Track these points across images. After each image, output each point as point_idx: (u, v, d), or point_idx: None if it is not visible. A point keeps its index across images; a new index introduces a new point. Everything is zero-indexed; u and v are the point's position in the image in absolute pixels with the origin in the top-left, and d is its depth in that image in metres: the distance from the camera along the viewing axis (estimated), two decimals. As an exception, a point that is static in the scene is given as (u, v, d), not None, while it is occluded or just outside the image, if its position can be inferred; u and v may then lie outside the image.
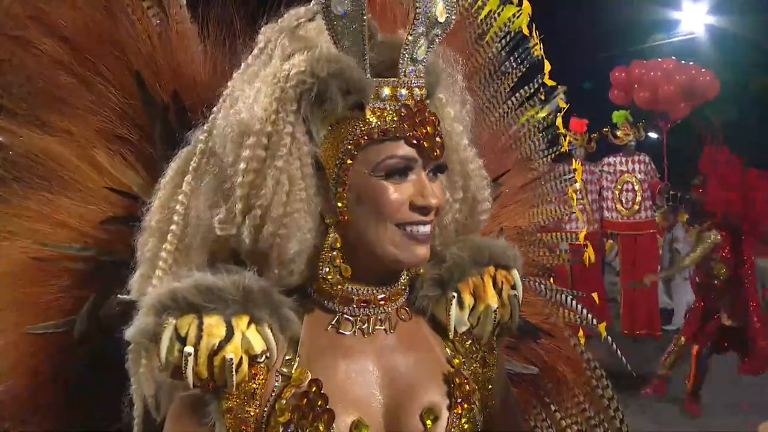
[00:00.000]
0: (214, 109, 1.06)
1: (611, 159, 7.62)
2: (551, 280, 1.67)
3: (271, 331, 0.97)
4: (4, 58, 1.34)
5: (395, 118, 0.99)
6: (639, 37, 13.76)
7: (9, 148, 1.33)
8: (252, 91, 1.00)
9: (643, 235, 7.56)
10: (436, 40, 1.03)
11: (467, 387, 1.07)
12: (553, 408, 1.63)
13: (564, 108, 1.74)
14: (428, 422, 1.02)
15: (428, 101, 1.06)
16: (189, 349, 0.91)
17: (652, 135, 9.72)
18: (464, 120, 1.14)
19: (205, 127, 1.07)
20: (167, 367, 0.93)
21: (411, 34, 0.98)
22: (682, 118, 8.56)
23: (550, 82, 1.70)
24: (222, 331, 0.92)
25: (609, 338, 1.69)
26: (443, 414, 1.04)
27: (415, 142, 0.99)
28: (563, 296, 1.66)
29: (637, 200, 7.47)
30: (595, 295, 1.75)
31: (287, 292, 1.02)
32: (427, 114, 1.01)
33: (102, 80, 1.35)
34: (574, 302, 1.64)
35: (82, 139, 1.35)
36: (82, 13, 1.35)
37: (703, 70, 8.63)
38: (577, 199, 1.77)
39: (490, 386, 1.14)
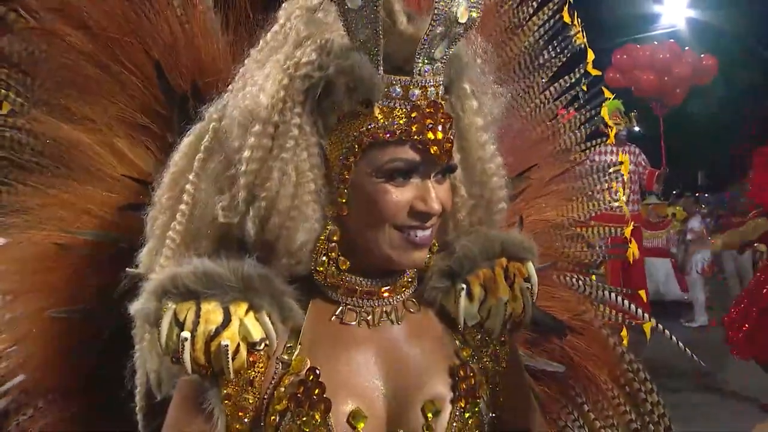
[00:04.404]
0: (229, 87, 1.04)
1: (601, 148, 7.61)
2: (593, 277, 1.62)
3: (270, 319, 0.95)
4: (34, 50, 1.36)
5: (403, 120, 0.94)
6: (621, 31, 13.86)
7: (38, 138, 1.35)
8: (261, 76, 0.97)
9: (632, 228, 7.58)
10: (457, 38, 0.96)
11: (473, 381, 1.03)
12: (586, 408, 1.58)
13: (610, 98, 1.68)
14: (429, 415, 0.99)
15: (448, 96, 1.02)
16: (185, 334, 0.90)
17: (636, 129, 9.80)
18: (489, 114, 1.09)
19: (219, 106, 1.06)
20: (167, 351, 0.92)
21: (428, 34, 0.92)
22: (677, 104, 8.62)
23: (594, 72, 1.64)
24: (219, 317, 0.91)
25: (671, 335, 1.63)
26: (446, 407, 1.00)
27: (420, 147, 0.94)
28: (606, 293, 1.60)
29: (625, 192, 7.49)
30: (642, 293, 1.67)
31: (294, 281, 1.00)
32: (439, 116, 0.95)
33: (124, 69, 1.34)
34: (619, 299, 1.59)
35: (104, 127, 1.36)
36: (106, 1, 1.35)
37: (703, 55, 8.68)
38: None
39: (500, 381, 1.10)
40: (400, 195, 0.95)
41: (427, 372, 1.02)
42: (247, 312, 0.93)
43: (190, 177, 1.04)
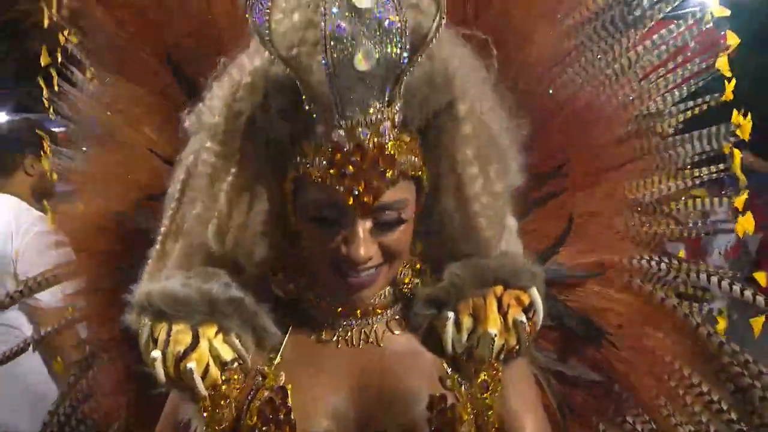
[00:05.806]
0: None
1: None
2: (681, 252, 1.41)
3: (241, 341, 0.95)
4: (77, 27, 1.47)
5: (325, 162, 0.86)
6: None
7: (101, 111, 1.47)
8: (220, 86, 0.95)
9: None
10: (378, 78, 0.82)
11: (453, 411, 0.97)
12: (667, 410, 1.37)
13: (735, 44, 1.41)
14: None
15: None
16: (156, 353, 0.92)
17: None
18: (486, 137, 0.97)
19: None
20: (148, 364, 0.94)
21: (331, 83, 0.81)
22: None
23: (720, 12, 1.37)
24: (188, 338, 0.93)
25: None
26: None
27: (335, 195, 0.87)
28: (702, 275, 1.36)
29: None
30: (761, 275, 1.38)
31: (281, 300, 1.02)
32: (366, 162, 0.85)
33: (145, 53, 1.36)
34: (724, 282, 1.34)
35: (135, 109, 1.40)
36: None
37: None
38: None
39: (490, 412, 1.03)
40: (326, 237, 0.91)
41: (404, 398, 0.98)
42: (216, 334, 0.94)
43: (177, 187, 1.03)
